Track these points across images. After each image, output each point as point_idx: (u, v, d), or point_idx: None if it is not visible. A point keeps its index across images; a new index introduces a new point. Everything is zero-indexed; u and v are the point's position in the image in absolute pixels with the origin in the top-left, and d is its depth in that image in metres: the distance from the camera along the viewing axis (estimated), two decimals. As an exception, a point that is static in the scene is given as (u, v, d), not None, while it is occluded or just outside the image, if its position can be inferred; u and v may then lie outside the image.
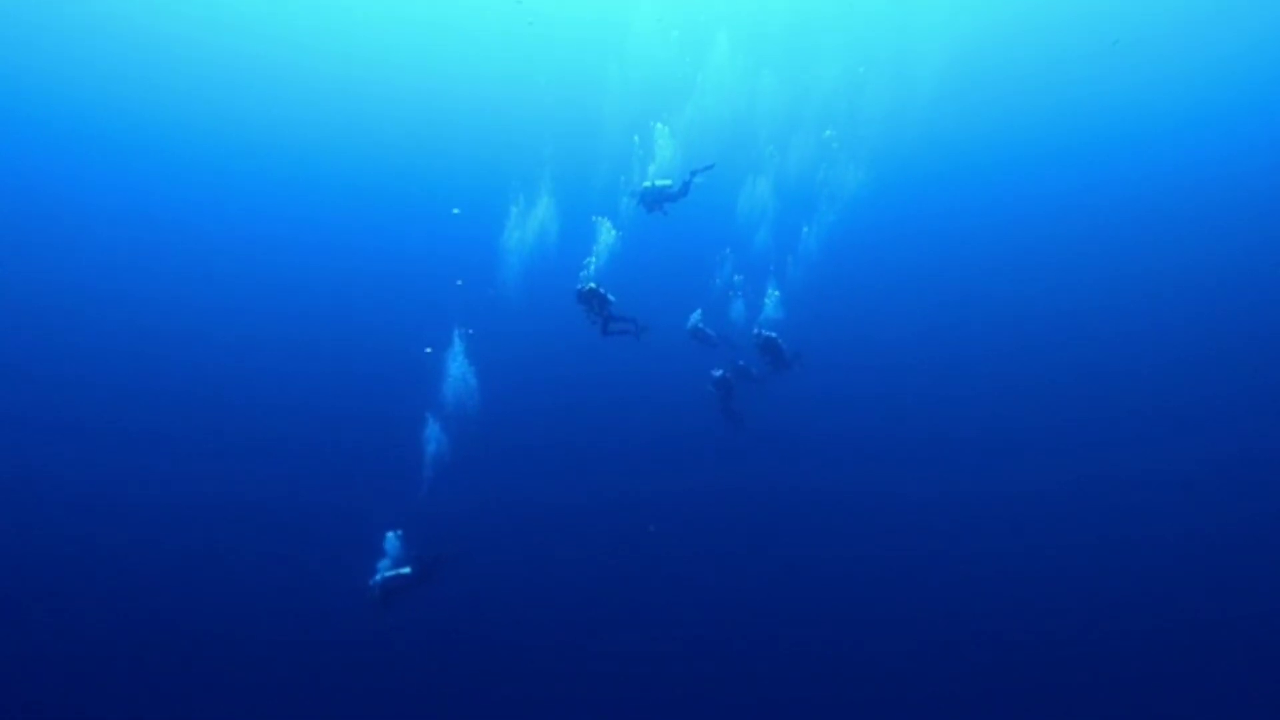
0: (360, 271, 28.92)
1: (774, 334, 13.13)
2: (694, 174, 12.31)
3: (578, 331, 11.48)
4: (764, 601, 17.60)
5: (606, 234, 13.41)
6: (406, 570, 10.16)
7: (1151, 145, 29.82)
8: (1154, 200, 27.62)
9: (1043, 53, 27.94)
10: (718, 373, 13.83)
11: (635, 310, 11.40)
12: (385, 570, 10.19)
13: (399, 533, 10.88)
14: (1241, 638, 15.07)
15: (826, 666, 16.13)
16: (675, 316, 15.32)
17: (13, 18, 25.16)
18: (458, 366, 14.78)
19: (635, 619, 17.15)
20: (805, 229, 21.17)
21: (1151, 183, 28.66)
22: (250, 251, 28.84)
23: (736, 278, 16.01)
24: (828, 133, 22.43)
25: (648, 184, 12.35)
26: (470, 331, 14.55)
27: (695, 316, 14.57)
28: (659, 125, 15.98)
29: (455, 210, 28.07)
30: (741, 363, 14.06)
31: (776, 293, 15.15)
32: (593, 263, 12.60)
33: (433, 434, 14.17)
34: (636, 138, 16.34)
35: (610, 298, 11.01)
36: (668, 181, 12.34)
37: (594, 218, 13.06)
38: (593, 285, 11.03)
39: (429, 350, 14.94)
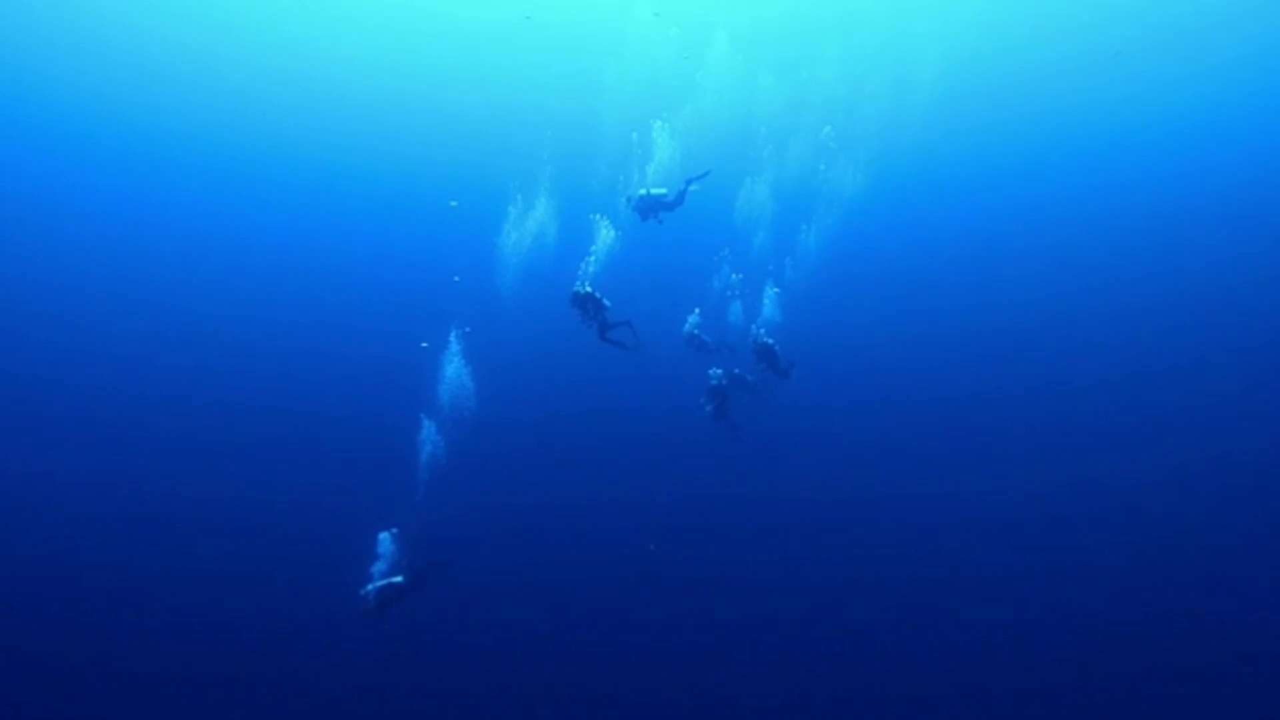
0: (356, 270, 28.80)
1: (771, 340, 13.03)
2: (689, 183, 12.35)
3: (575, 333, 11.38)
4: (762, 609, 17.47)
5: (605, 234, 13.33)
6: (399, 579, 10.06)
7: (1153, 150, 29.91)
8: (1154, 206, 27.66)
9: (1041, 54, 28.03)
10: (713, 380, 13.74)
11: (631, 315, 11.29)
12: (378, 579, 10.08)
13: (394, 531, 10.75)
14: (1243, 644, 15.00)
15: (824, 675, 16.01)
16: (673, 317, 15.25)
17: (11, 18, 25.05)
18: (454, 367, 14.65)
19: (631, 624, 17.01)
20: (803, 226, 21.11)
21: (1153, 188, 28.73)
22: (247, 250, 28.69)
23: (735, 276, 15.93)
24: (826, 129, 22.38)
25: (643, 191, 12.34)
26: (467, 329, 14.41)
27: (692, 319, 14.47)
28: (657, 123, 15.93)
29: (453, 203, 27.96)
30: (737, 370, 13.96)
31: (776, 290, 15.07)
32: (591, 263, 12.51)
33: (428, 436, 14.03)
34: (635, 135, 16.29)
35: (606, 303, 10.92)
36: (663, 190, 12.34)
37: (592, 215, 12.97)
38: (588, 289, 10.91)
39: (425, 345, 14.81)
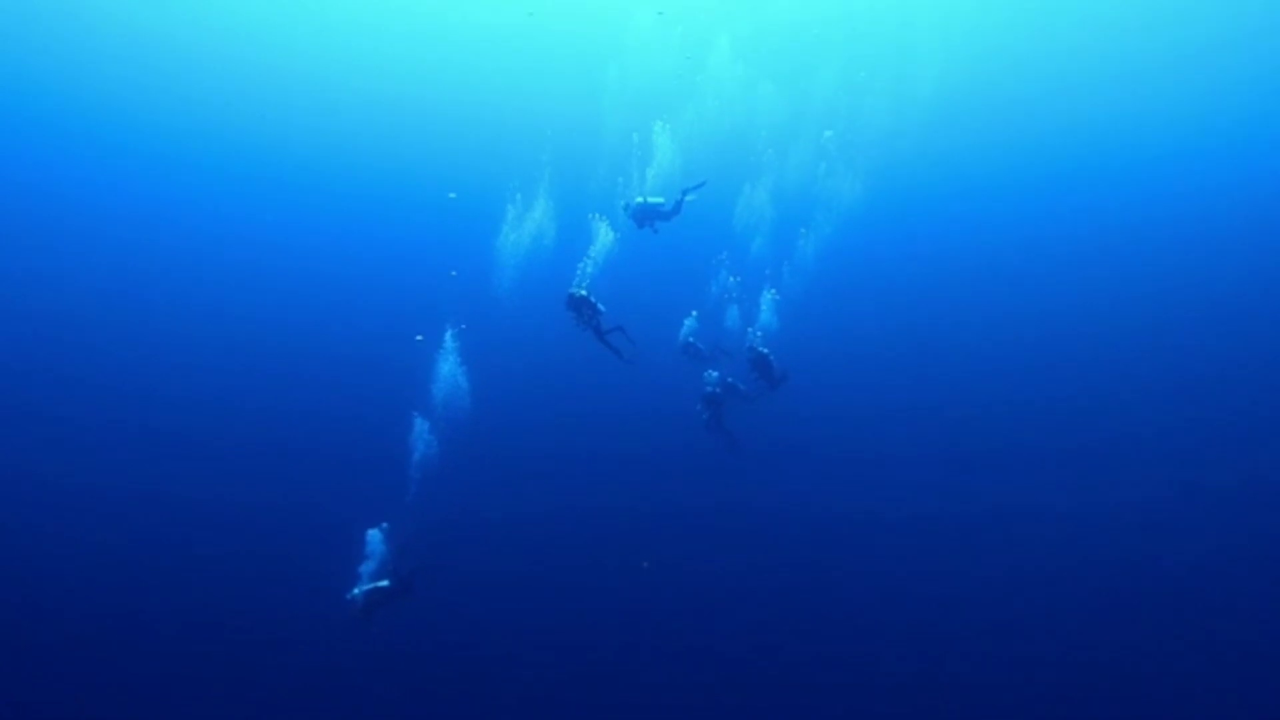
0: (353, 267, 28.67)
1: (766, 350, 12.99)
2: (685, 193, 12.37)
3: (570, 334, 11.29)
4: (754, 617, 17.34)
5: (604, 235, 13.27)
6: (385, 583, 9.95)
7: (1155, 162, 30.04)
8: (1156, 217, 27.79)
9: (1041, 65, 28.16)
10: (708, 387, 13.64)
11: (627, 319, 11.23)
12: (365, 582, 9.97)
13: (384, 526, 10.62)
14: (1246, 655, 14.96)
15: (820, 684, 15.90)
16: (670, 319, 15.19)
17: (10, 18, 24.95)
18: (448, 365, 14.52)
19: (621, 630, 16.87)
20: (802, 230, 21.09)
21: (1154, 199, 28.84)
22: (244, 246, 28.54)
23: (733, 279, 15.89)
24: (827, 133, 22.42)
25: (640, 199, 12.34)
26: (463, 326, 14.30)
27: (689, 324, 14.42)
28: (658, 124, 15.90)
29: (451, 194, 27.89)
30: (730, 379, 13.88)
31: (773, 291, 15.01)
32: (588, 265, 12.44)
33: (420, 435, 13.89)
34: (636, 136, 16.25)
35: (600, 307, 10.85)
36: (660, 199, 12.37)
37: (591, 215, 12.90)
38: (583, 292, 10.83)
39: (420, 338, 14.68)
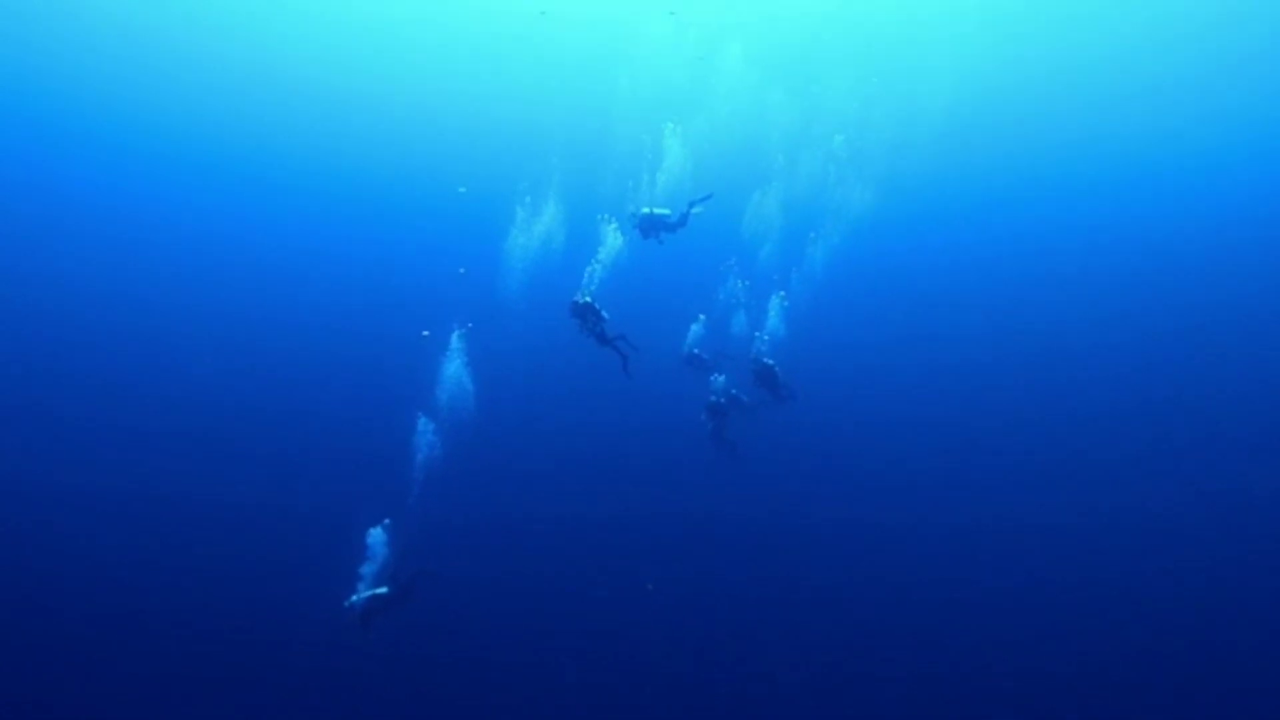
0: (363, 267, 28.72)
1: (771, 362, 12.91)
2: (692, 205, 12.43)
3: (576, 339, 11.28)
4: (758, 629, 17.19)
5: (611, 239, 13.24)
6: (384, 590, 9.85)
7: (1168, 175, 29.94)
8: (1168, 230, 27.64)
9: (1054, 72, 28.11)
10: (712, 397, 13.58)
11: (633, 325, 11.24)
12: (364, 590, 9.87)
13: (386, 523, 10.54)
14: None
15: (825, 694, 15.74)
16: (677, 324, 15.12)
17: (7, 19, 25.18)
18: (453, 366, 14.46)
19: (621, 640, 16.73)
20: (811, 234, 21.01)
21: (1167, 213, 28.72)
22: (250, 246, 28.63)
23: (741, 282, 15.83)
24: (838, 138, 22.37)
25: (647, 210, 12.40)
26: (470, 325, 14.25)
27: (695, 329, 14.37)
28: (669, 125, 15.88)
29: (461, 189, 27.95)
30: (734, 391, 13.83)
31: (782, 293, 14.93)
32: (596, 269, 12.42)
33: (424, 437, 13.82)
34: (647, 139, 16.23)
35: (604, 314, 10.87)
36: (667, 211, 12.42)
37: (600, 216, 12.88)
38: (587, 299, 10.83)
39: (426, 334, 14.65)
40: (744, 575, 18.24)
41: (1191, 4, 24.60)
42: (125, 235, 27.38)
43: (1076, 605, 17.08)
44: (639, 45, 24.96)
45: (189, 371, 23.06)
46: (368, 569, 10.31)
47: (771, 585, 18.04)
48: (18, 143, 28.17)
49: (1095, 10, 25.09)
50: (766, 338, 13.21)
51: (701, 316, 14.34)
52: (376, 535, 10.63)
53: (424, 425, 13.69)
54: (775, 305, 14.93)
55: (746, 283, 15.81)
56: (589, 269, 12.36)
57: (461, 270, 21.10)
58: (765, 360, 12.95)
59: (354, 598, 9.76)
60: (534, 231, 18.35)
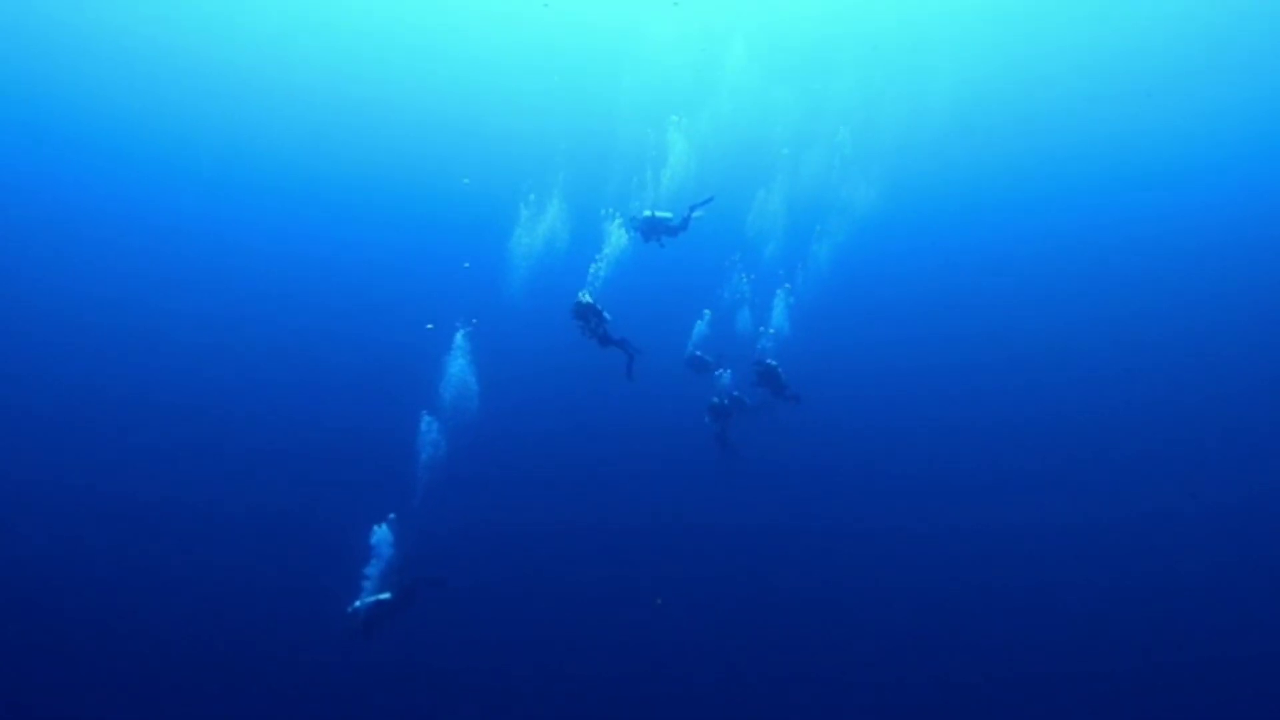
0: (366, 265, 28.69)
1: (774, 363, 12.91)
2: (693, 209, 12.46)
3: (578, 340, 11.26)
4: (763, 633, 17.05)
5: (616, 234, 13.19)
6: (386, 596, 9.75)
7: (1178, 173, 29.78)
8: (1177, 229, 27.46)
9: (1061, 68, 27.99)
10: (714, 399, 13.58)
11: (639, 323, 11.26)
12: (367, 596, 9.77)
13: (391, 517, 10.47)
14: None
15: (825, 698, 15.62)
16: (682, 321, 15.05)
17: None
18: (457, 364, 14.39)
19: (626, 640, 16.63)
20: (817, 228, 20.91)
21: (1176, 211, 28.54)
22: (252, 246, 28.66)
23: (747, 275, 15.77)
24: (842, 131, 22.29)
25: (648, 213, 12.44)
26: (474, 321, 14.19)
27: (700, 326, 14.33)
28: (674, 118, 15.84)
29: (465, 179, 27.97)
30: (736, 393, 13.80)
31: (787, 285, 14.87)
32: (601, 266, 12.37)
33: (429, 437, 13.74)
34: (651, 135, 16.19)
35: (606, 315, 10.85)
36: (668, 214, 12.45)
37: (604, 210, 12.83)
38: (589, 299, 10.81)
39: (430, 327, 14.59)
40: (748, 577, 18.10)
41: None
42: (122, 234, 27.43)
43: (1085, 607, 16.92)
44: (642, 44, 24.96)
45: (190, 370, 23.05)
46: (372, 569, 10.23)
47: (775, 587, 17.90)
48: (16, 146, 28.27)
49: (1107, 6, 24.99)
50: (773, 331, 13.12)
51: (707, 312, 14.29)
52: (380, 534, 10.55)
53: (428, 424, 13.60)
54: (780, 301, 14.86)
55: (752, 276, 15.74)
56: (593, 266, 12.31)
57: (466, 265, 21.08)
58: (768, 361, 12.95)
59: (357, 604, 9.65)
60: (537, 231, 18.31)
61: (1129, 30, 26.11)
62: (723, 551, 18.68)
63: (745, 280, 15.88)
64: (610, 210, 12.79)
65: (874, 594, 17.56)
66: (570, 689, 15.53)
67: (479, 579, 15.60)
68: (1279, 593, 15.89)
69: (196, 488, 19.57)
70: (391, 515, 10.46)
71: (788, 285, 14.91)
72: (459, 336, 14.33)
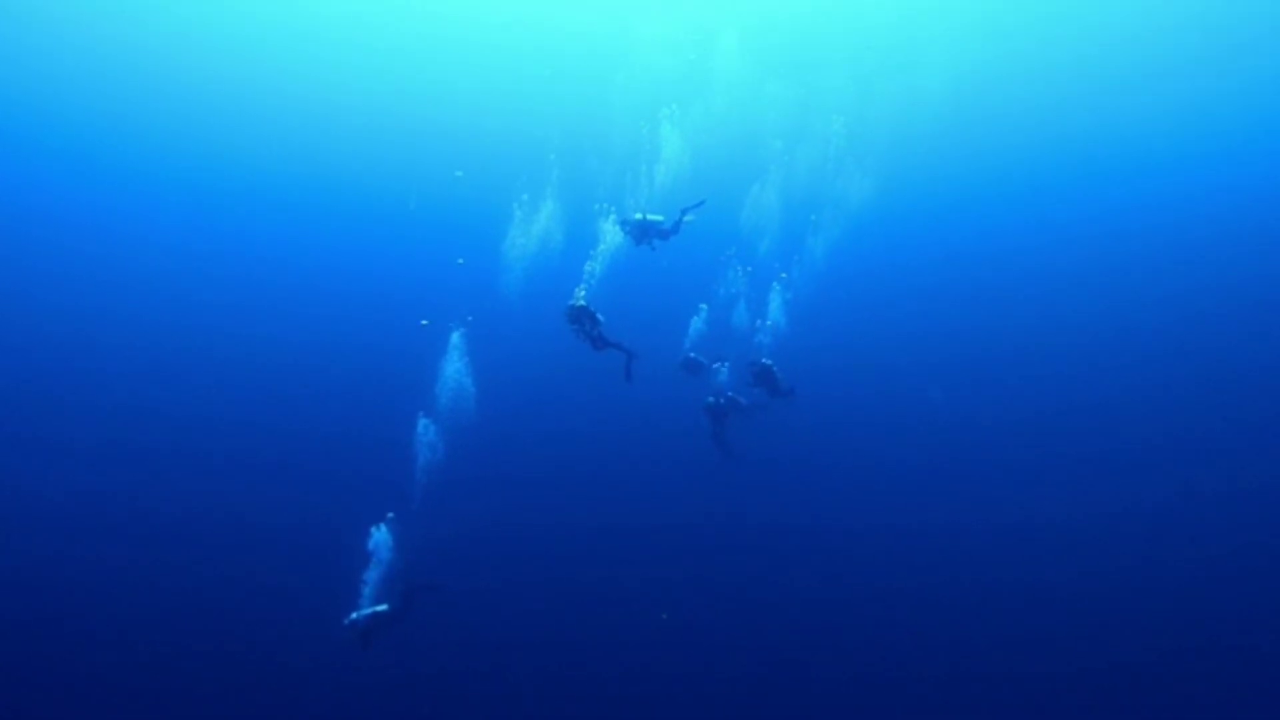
0: (359, 266, 28.62)
1: (769, 362, 12.92)
2: (684, 212, 12.54)
3: (573, 342, 11.23)
4: (762, 632, 16.99)
5: (611, 231, 13.12)
6: (384, 608, 9.74)
7: (1172, 163, 29.78)
8: (1174, 220, 27.46)
9: (1057, 58, 27.99)
10: (709, 399, 13.62)
11: (634, 320, 11.33)
12: (365, 608, 9.77)
13: (390, 516, 10.40)
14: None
15: (824, 697, 15.55)
16: (677, 317, 14.97)
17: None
18: (453, 363, 14.28)
19: (623, 641, 16.55)
20: (812, 217, 20.83)
21: (1172, 202, 28.54)
22: (245, 243, 28.53)
23: (744, 267, 15.73)
24: (837, 119, 22.22)
25: (639, 216, 12.47)
26: (469, 319, 14.11)
27: (696, 322, 14.30)
28: (666, 109, 15.79)
29: (458, 172, 27.91)
30: (730, 393, 13.83)
31: (784, 274, 14.84)
32: (596, 264, 12.33)
33: (426, 439, 13.64)
34: (644, 128, 16.12)
35: (599, 317, 10.82)
36: (659, 217, 12.51)
37: (597, 205, 12.79)
38: (582, 302, 10.77)
39: (425, 323, 14.52)
40: (746, 575, 18.05)
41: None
42: (106, 233, 27.31)
43: (1085, 604, 16.89)
44: (634, 39, 24.93)
45: (182, 372, 22.90)
46: (371, 574, 10.18)
47: (773, 585, 17.84)
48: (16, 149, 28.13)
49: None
50: (769, 323, 13.09)
51: (703, 307, 14.24)
52: (379, 537, 10.47)
53: (424, 427, 13.51)
54: (776, 294, 14.84)
55: (749, 268, 15.70)
56: (588, 264, 12.27)
57: (460, 261, 21.01)
58: (763, 360, 12.96)
59: (354, 615, 9.62)
60: (531, 230, 18.24)
61: (1125, 21, 26.09)
62: (721, 551, 18.62)
63: (741, 271, 15.85)
64: (605, 204, 12.73)
65: (872, 591, 17.53)
66: (569, 690, 15.47)
67: (476, 581, 15.53)
68: (1276, 589, 15.85)
69: (189, 491, 19.44)
70: (390, 514, 10.37)
71: (784, 275, 14.87)
72: (455, 337, 14.25)
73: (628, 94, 22.95)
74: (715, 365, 13.51)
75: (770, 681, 16.07)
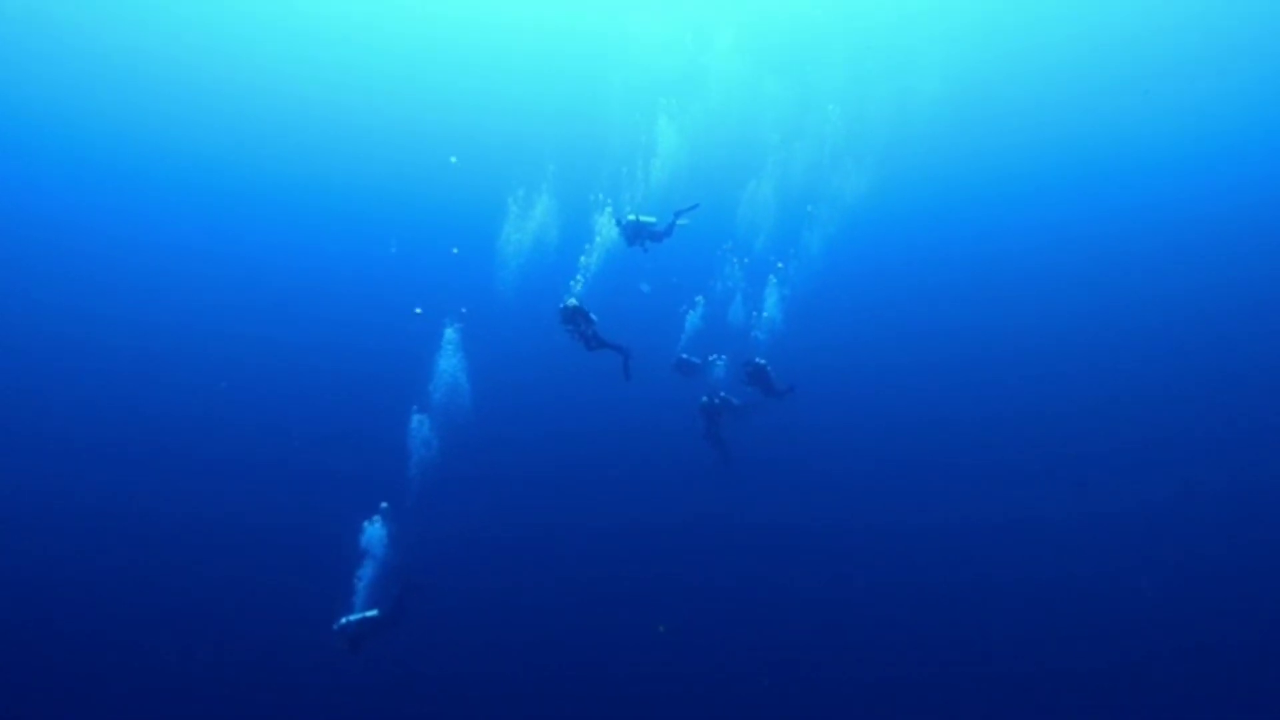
0: (356, 260, 28.51)
1: (763, 361, 12.90)
2: (678, 215, 12.54)
3: (567, 341, 11.15)
4: (759, 632, 16.90)
5: (607, 225, 13.06)
6: (374, 613, 9.71)
7: (1169, 162, 29.87)
8: (1172, 217, 27.52)
9: (1052, 57, 28.02)
10: (703, 399, 13.59)
11: (627, 323, 11.22)
12: (354, 613, 9.74)
13: (384, 506, 10.31)
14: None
15: (819, 699, 15.49)
16: (673, 312, 14.90)
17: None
18: (448, 361, 14.19)
19: (619, 642, 16.45)
20: (809, 208, 20.78)
21: (1169, 199, 28.61)
22: (239, 240, 28.41)
23: (741, 259, 15.69)
24: (832, 108, 22.15)
25: (632, 217, 12.43)
26: (464, 310, 14.01)
27: (692, 317, 14.26)
28: (663, 99, 15.72)
29: (452, 158, 27.85)
30: (723, 394, 13.80)
31: (780, 264, 14.79)
32: (591, 260, 12.27)
33: (421, 436, 13.54)
34: (641, 124, 16.05)
35: (593, 317, 10.78)
36: (653, 219, 12.49)
37: (593, 197, 12.72)
38: (575, 303, 10.74)
39: (419, 311, 14.40)
40: (744, 574, 17.95)
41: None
42: (100, 233, 27.18)
43: (1085, 604, 16.83)
44: (631, 36, 24.88)
45: (176, 371, 22.75)
46: (363, 572, 10.11)
47: (771, 584, 17.75)
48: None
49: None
50: (766, 316, 13.04)
51: (699, 299, 14.18)
52: (372, 533, 10.40)
53: (419, 423, 13.42)
54: (773, 288, 14.80)
55: (746, 260, 15.65)
56: (583, 259, 12.21)
57: (454, 250, 20.91)
58: (757, 360, 12.93)
59: (344, 620, 9.57)
60: (527, 226, 18.17)
61: (1123, 21, 26.13)
62: (719, 550, 18.52)
63: (737, 264, 15.81)
64: (601, 196, 12.66)
65: (871, 590, 17.42)
66: (567, 690, 15.37)
67: (468, 579, 15.44)
68: (1276, 589, 15.85)
69: (181, 487, 19.29)
70: (384, 504, 10.28)
71: (780, 265, 14.82)
72: (449, 332, 14.17)
73: (625, 91, 22.91)
74: (711, 358, 13.44)
75: (765, 681, 15.99)
